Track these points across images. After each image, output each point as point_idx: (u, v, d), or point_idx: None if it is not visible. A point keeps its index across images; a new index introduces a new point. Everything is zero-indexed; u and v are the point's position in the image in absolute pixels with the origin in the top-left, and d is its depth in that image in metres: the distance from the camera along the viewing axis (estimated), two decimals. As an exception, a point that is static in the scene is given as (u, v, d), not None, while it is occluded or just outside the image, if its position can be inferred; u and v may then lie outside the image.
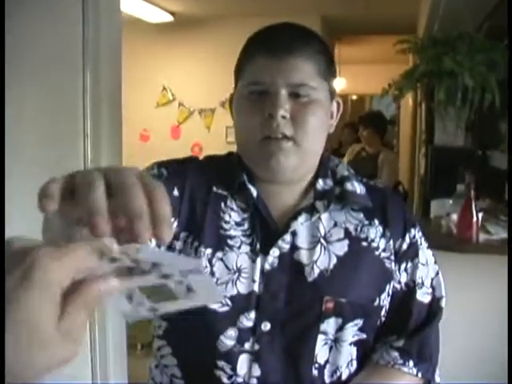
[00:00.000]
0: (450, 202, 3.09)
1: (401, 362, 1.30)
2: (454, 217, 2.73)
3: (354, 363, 1.29)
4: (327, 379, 1.25)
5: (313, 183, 1.30)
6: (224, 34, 5.89)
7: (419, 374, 1.31)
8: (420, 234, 1.34)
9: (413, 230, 1.32)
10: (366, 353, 1.31)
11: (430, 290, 1.33)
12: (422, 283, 1.32)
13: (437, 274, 1.35)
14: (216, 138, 5.65)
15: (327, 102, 1.25)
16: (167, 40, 6.24)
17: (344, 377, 1.28)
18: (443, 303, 1.35)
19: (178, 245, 1.23)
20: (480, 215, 2.71)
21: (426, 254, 1.34)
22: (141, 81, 6.17)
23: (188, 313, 1.13)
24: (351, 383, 1.28)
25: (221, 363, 1.21)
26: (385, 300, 1.28)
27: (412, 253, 1.31)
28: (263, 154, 1.21)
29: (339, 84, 8.71)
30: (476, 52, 3.15)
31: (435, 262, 1.36)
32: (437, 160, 3.95)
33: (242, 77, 1.24)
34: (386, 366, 1.30)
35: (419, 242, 1.33)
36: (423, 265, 1.32)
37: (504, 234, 2.77)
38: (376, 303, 1.26)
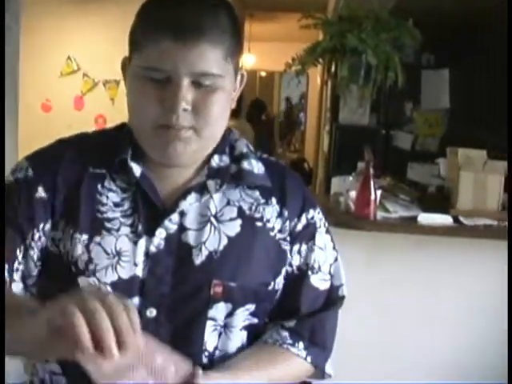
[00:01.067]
0: (351, 179, 3.12)
1: (290, 341, 1.24)
2: (353, 194, 2.74)
3: (246, 348, 1.24)
4: (218, 363, 1.19)
5: (208, 159, 1.21)
6: (132, 3, 5.75)
7: (309, 358, 1.25)
8: (320, 216, 1.29)
9: (311, 211, 1.27)
10: (257, 337, 1.26)
11: (328, 277, 1.28)
12: (319, 268, 1.26)
13: (335, 260, 1.30)
14: (120, 110, 5.25)
15: (231, 85, 1.17)
16: (74, 8, 6.02)
17: (234, 359, 1.22)
18: (344, 291, 1.31)
19: (58, 235, 1.16)
20: (379, 193, 2.74)
21: (324, 238, 1.28)
22: (45, 49, 5.94)
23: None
24: (234, 359, 1.20)
25: None
26: (280, 283, 1.24)
27: (308, 234, 1.25)
28: (159, 142, 1.13)
29: (248, 60, 8.71)
30: (381, 30, 3.17)
31: (334, 248, 1.31)
32: (340, 138, 3.97)
33: (138, 52, 1.12)
34: (273, 345, 1.24)
35: (318, 225, 1.27)
36: (320, 249, 1.27)
37: (402, 213, 2.82)
38: (270, 287, 1.22)
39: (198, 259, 1.15)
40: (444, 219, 2.75)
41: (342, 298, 1.30)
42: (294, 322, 1.25)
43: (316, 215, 1.27)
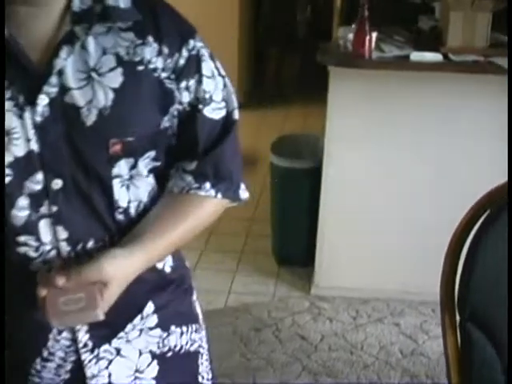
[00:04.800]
0: (353, 26, 3.32)
1: (196, 185, 1.23)
2: (351, 36, 2.96)
3: (156, 189, 1.25)
4: (134, 214, 1.22)
5: (68, 5, 1.11)
6: None
7: (219, 195, 1.25)
8: (201, 43, 1.21)
9: (191, 42, 1.19)
10: (163, 178, 1.26)
11: (223, 104, 1.24)
12: (211, 98, 1.21)
13: (225, 86, 1.25)
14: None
15: None
16: None
17: (149, 205, 1.25)
18: (236, 115, 1.27)
19: None
20: (374, 34, 2.95)
21: (209, 65, 1.22)
22: None
23: None
24: (146, 217, 1.22)
25: (22, 238, 1.15)
26: (169, 122, 1.20)
27: (193, 67, 1.19)
28: None
29: None
30: None
31: (220, 74, 1.25)
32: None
33: None
34: (181, 193, 1.23)
35: (201, 53, 1.20)
36: (209, 78, 1.21)
37: (396, 52, 3.03)
38: (162, 127, 1.19)
39: (89, 120, 1.10)
40: (434, 56, 2.96)
41: (236, 121, 1.27)
42: (195, 163, 1.23)
43: (197, 44, 1.20)
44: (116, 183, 1.16)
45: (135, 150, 1.16)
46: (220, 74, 1.24)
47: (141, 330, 1.28)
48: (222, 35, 5.29)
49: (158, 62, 1.15)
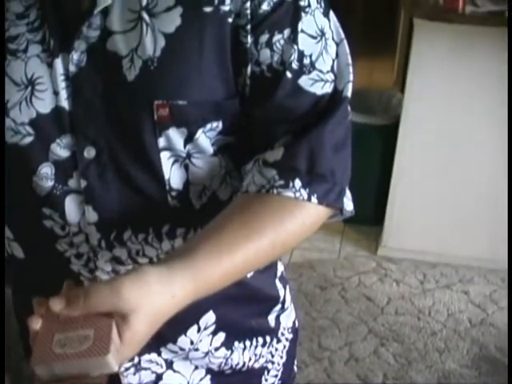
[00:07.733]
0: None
1: (280, 182, 0.88)
2: (443, -11, 2.79)
3: (233, 175, 0.99)
4: (196, 202, 0.96)
5: None
6: None
7: (313, 199, 0.88)
8: None
9: None
10: (242, 161, 0.96)
11: (330, 76, 0.91)
12: (312, 65, 0.89)
13: (338, 55, 0.93)
14: None
15: None
16: None
17: (222, 195, 0.98)
18: (349, 91, 0.94)
19: None
20: (468, -14, 2.78)
21: (318, 22, 0.90)
22: None
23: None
24: (208, 225, 0.88)
25: (47, 211, 0.94)
26: (240, 88, 0.91)
27: (283, 18, 0.88)
28: None
29: None
30: None
31: (333, 39, 0.92)
32: None
33: None
34: (258, 194, 0.88)
35: (305, 2, 0.88)
36: (312, 37, 0.89)
37: (491, 7, 2.84)
38: (227, 93, 0.90)
39: (131, 73, 0.86)
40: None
41: (346, 98, 0.94)
42: (281, 151, 0.90)
43: None
44: (165, 158, 0.91)
45: (188, 119, 0.89)
46: (333, 38, 0.92)
47: (207, 353, 1.08)
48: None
49: (235, 3, 0.86)
